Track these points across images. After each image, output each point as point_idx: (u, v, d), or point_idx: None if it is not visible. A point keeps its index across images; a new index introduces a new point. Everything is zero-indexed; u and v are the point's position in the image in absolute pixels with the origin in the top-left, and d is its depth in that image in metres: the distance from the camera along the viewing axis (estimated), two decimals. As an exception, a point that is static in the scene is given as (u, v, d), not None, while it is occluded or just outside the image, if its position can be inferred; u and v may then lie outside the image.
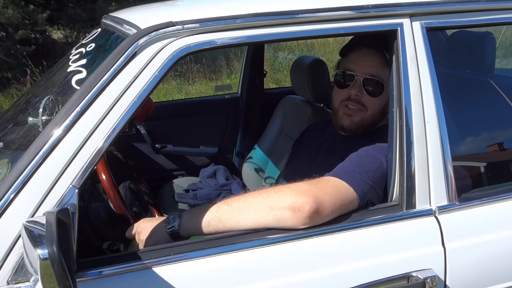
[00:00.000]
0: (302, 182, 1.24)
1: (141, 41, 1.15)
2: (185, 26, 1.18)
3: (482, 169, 1.43)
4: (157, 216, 1.65)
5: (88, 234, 1.46)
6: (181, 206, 2.24)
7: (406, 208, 1.28)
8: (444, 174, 1.30)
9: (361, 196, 1.27)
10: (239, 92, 2.88)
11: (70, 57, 1.46)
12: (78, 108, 1.10)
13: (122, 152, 2.13)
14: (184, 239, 1.26)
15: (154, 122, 2.59)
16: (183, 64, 7.06)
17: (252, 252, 1.18)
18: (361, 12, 1.28)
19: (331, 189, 1.23)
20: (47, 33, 7.97)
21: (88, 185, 1.78)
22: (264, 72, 2.84)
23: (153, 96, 6.64)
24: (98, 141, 1.09)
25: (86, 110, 1.10)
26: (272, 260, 1.18)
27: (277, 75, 7.13)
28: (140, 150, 2.64)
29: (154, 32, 1.16)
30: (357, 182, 1.28)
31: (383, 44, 1.48)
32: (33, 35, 7.49)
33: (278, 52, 7.93)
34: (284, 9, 1.25)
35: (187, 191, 2.37)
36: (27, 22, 6.91)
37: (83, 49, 1.44)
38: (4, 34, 7.28)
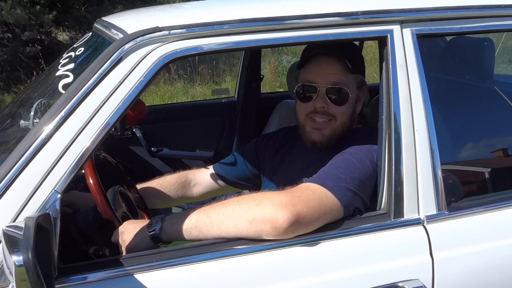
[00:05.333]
0: (284, 193, 1.22)
1: (127, 46, 1.15)
2: (172, 31, 1.17)
3: (473, 178, 1.42)
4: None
5: (77, 238, 1.46)
6: (174, 210, 2.24)
7: (394, 217, 1.27)
8: (434, 183, 1.28)
9: (345, 206, 1.26)
10: (236, 96, 2.88)
11: (60, 61, 1.46)
12: (62, 113, 1.10)
13: (117, 156, 2.13)
14: (166, 243, 1.26)
15: (150, 126, 2.59)
16: (188, 67, 7.09)
17: (237, 260, 1.17)
18: (351, 18, 1.27)
19: (313, 201, 1.21)
20: (52, 35, 8.02)
21: (80, 189, 1.79)
22: (261, 76, 2.84)
23: (157, 98, 6.66)
24: (80, 148, 1.09)
25: (69, 116, 1.09)
26: (257, 268, 1.17)
27: (281, 79, 7.14)
28: (135, 153, 2.64)
29: (140, 37, 1.16)
30: (342, 191, 1.26)
31: (340, 50, 1.46)
32: (39, 37, 7.54)
33: (283, 56, 7.96)
34: (272, 15, 1.24)
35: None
36: (33, 23, 6.96)
37: (72, 53, 1.44)
38: (10, 35, 7.33)
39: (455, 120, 1.46)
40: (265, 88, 6.69)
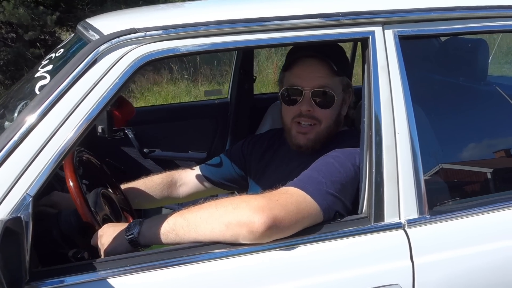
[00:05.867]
0: (262, 197, 1.21)
1: (102, 47, 1.14)
2: (148, 33, 1.16)
3: (456, 182, 1.39)
4: (132, 222, 1.64)
5: (58, 240, 1.45)
6: (165, 211, 2.23)
7: (374, 220, 1.25)
8: (415, 186, 1.26)
9: (325, 210, 1.24)
10: (229, 97, 2.87)
11: (42, 62, 1.45)
12: (35, 115, 1.08)
13: (109, 157, 2.12)
14: (144, 247, 1.25)
15: (143, 126, 2.58)
16: (191, 67, 7.09)
17: (213, 264, 1.15)
18: (331, 20, 1.26)
19: (291, 205, 1.19)
20: (56, 35, 8.06)
21: (66, 190, 1.78)
22: (254, 77, 2.83)
23: (160, 98, 6.63)
24: (52, 153, 1.07)
25: (42, 119, 1.08)
26: (233, 272, 1.16)
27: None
28: (127, 154, 2.63)
29: (116, 39, 1.15)
30: (322, 194, 1.24)
31: (326, 52, 1.44)
32: (42, 36, 7.57)
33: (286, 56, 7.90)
34: (251, 16, 1.23)
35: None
36: (36, 23, 6.98)
37: (53, 55, 1.43)
38: (14, 35, 7.37)
39: (438, 122, 1.43)
40: (267, 88, 6.68)
